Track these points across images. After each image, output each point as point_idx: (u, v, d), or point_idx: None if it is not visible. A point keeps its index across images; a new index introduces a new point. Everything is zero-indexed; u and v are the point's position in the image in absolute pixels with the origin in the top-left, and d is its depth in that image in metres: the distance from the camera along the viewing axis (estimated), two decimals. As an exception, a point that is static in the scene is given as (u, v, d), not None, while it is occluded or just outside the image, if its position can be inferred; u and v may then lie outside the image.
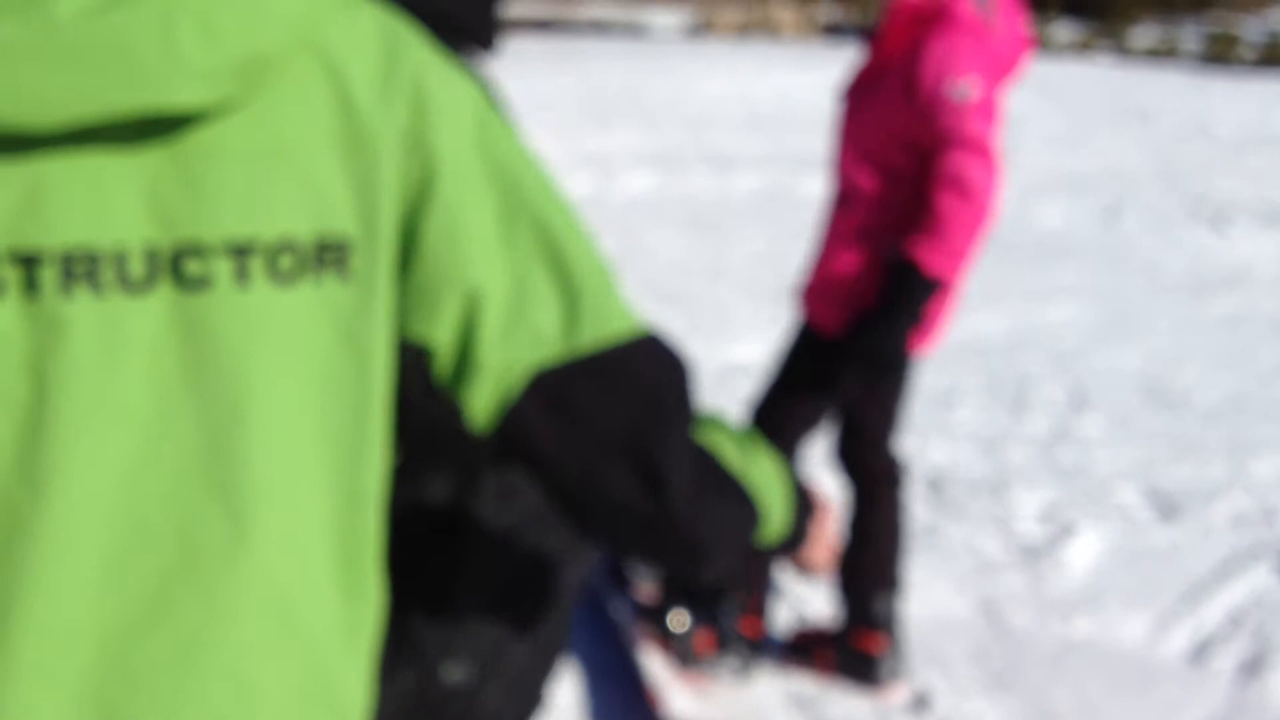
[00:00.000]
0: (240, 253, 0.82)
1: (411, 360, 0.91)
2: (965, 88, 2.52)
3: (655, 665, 2.92)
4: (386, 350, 0.88)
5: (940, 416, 4.74)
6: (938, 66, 2.54)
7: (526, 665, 1.35)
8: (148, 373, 0.81)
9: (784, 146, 11.68)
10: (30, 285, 0.78)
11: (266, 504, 0.84)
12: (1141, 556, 3.63)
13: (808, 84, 16.68)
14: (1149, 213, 9.23)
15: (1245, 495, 4.10)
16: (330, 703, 0.89)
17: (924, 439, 4.44)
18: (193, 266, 0.81)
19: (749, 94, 15.86)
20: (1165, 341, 5.96)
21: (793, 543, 1.17)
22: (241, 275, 0.82)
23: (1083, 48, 25.61)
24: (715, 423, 1.07)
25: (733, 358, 5.42)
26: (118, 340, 0.80)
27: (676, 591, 3.01)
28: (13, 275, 0.78)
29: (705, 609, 2.94)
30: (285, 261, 0.83)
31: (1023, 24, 2.72)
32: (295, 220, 0.83)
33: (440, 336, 0.89)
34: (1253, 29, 27.83)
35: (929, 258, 2.52)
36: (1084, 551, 3.64)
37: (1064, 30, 27.82)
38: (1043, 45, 23.13)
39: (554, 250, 0.92)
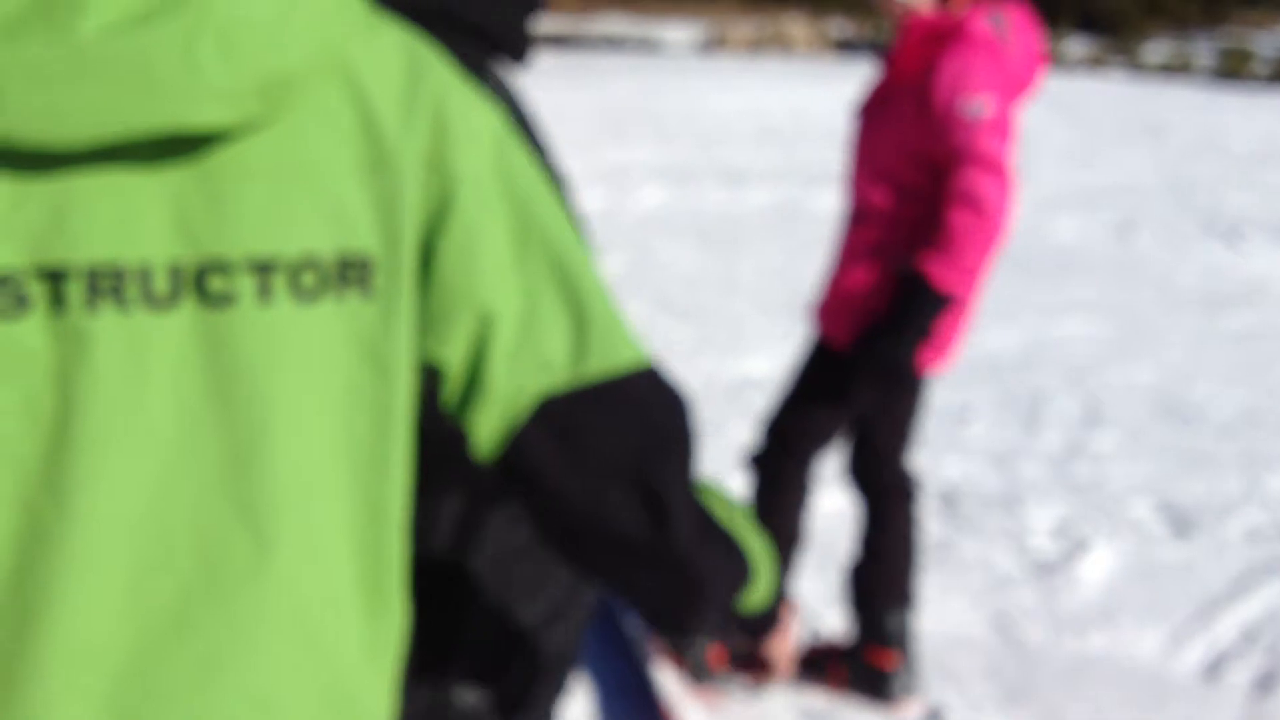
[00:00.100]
0: (263, 269, 0.83)
1: (423, 381, 0.92)
2: (979, 105, 2.52)
3: (668, 680, 2.93)
4: (409, 369, 0.88)
5: (954, 432, 4.74)
6: (952, 84, 2.55)
7: (537, 690, 1.35)
8: (172, 388, 0.81)
9: (796, 161, 11.70)
10: (56, 300, 0.79)
11: (289, 521, 0.84)
12: (1155, 572, 3.62)
13: (820, 99, 16.70)
14: (1162, 228, 9.22)
15: (1260, 510, 4.09)
16: None
17: (937, 454, 4.43)
18: (216, 283, 0.82)
19: (762, 109, 15.89)
20: (1179, 356, 5.94)
21: (766, 622, 1.15)
22: (264, 292, 0.83)
23: (1095, 63, 25.60)
24: (711, 488, 1.07)
25: (745, 372, 5.42)
26: (142, 356, 0.81)
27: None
28: (39, 290, 0.79)
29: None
30: (308, 279, 0.84)
31: (1037, 40, 2.72)
32: (318, 238, 0.84)
33: (451, 357, 0.90)
34: (1266, 44, 27.79)
35: (940, 273, 2.52)
36: (1098, 567, 3.63)
37: (1077, 46, 27.82)
38: (1055, 61, 23.13)
39: (565, 277, 0.93)
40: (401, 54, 0.89)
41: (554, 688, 1.37)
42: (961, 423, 4.85)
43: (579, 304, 0.93)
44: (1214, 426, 4.96)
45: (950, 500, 4.09)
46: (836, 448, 2.96)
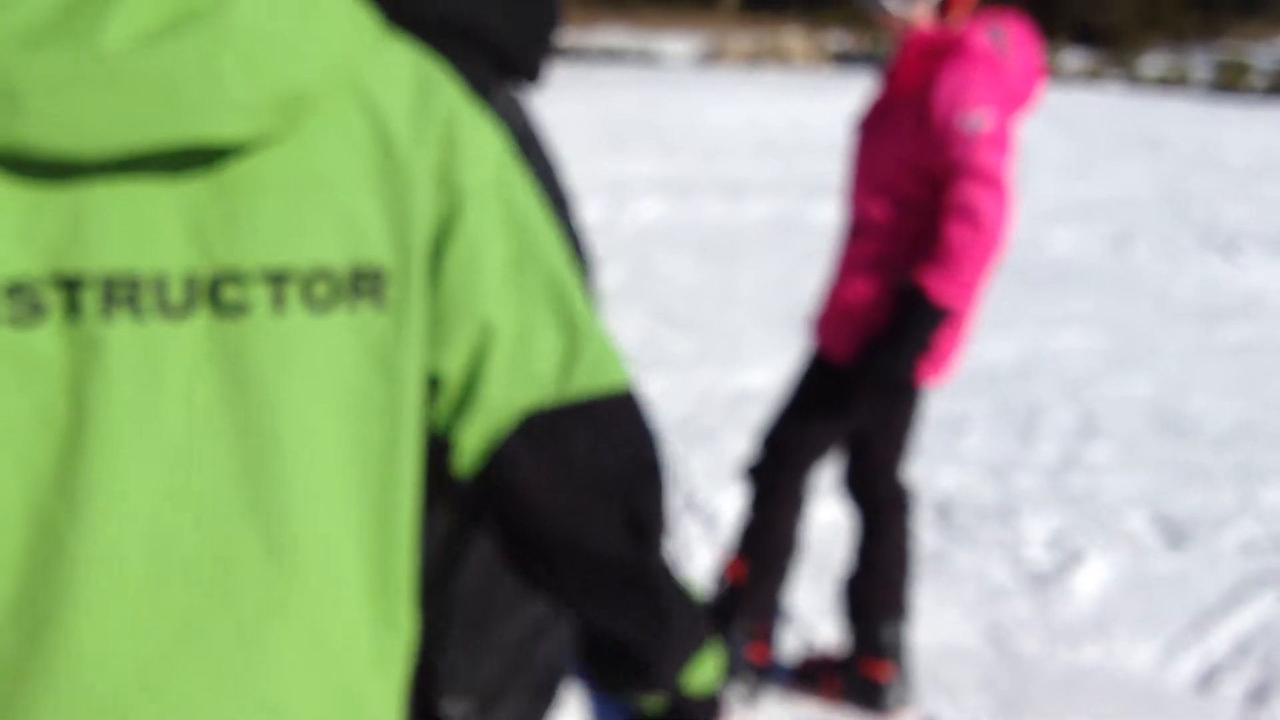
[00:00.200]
0: (277, 280, 0.84)
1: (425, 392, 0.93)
2: (977, 119, 2.54)
3: (663, 690, 2.93)
4: (419, 379, 0.89)
5: (949, 443, 4.75)
6: (950, 98, 2.57)
7: (526, 703, 1.36)
8: (185, 397, 0.82)
9: (795, 173, 11.71)
10: (72, 308, 0.80)
11: (301, 529, 0.85)
12: (1150, 584, 3.63)
13: (819, 111, 16.73)
14: (1159, 240, 9.23)
15: (1254, 523, 4.10)
16: None
17: (933, 465, 4.44)
18: (230, 293, 0.83)
19: (761, 121, 15.91)
20: (1175, 369, 5.96)
21: (709, 710, 1.13)
22: (278, 302, 0.84)
23: (1092, 76, 25.64)
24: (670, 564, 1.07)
25: (743, 383, 5.43)
26: (156, 364, 0.82)
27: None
28: (55, 299, 0.80)
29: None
30: (320, 289, 0.85)
31: (1036, 54, 2.74)
32: (331, 249, 0.85)
33: (451, 368, 0.91)
34: (1263, 57, 27.85)
35: (938, 287, 2.53)
36: (1092, 579, 3.64)
37: (1073, 58, 27.87)
38: (1052, 73, 23.16)
39: (559, 298, 0.94)
40: (412, 71, 0.91)
41: (544, 700, 1.38)
42: (957, 434, 4.87)
43: (572, 325, 0.94)
44: (1209, 439, 4.97)
45: (945, 511, 4.10)
46: (832, 459, 2.97)
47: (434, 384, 0.92)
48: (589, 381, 0.94)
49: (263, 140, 0.82)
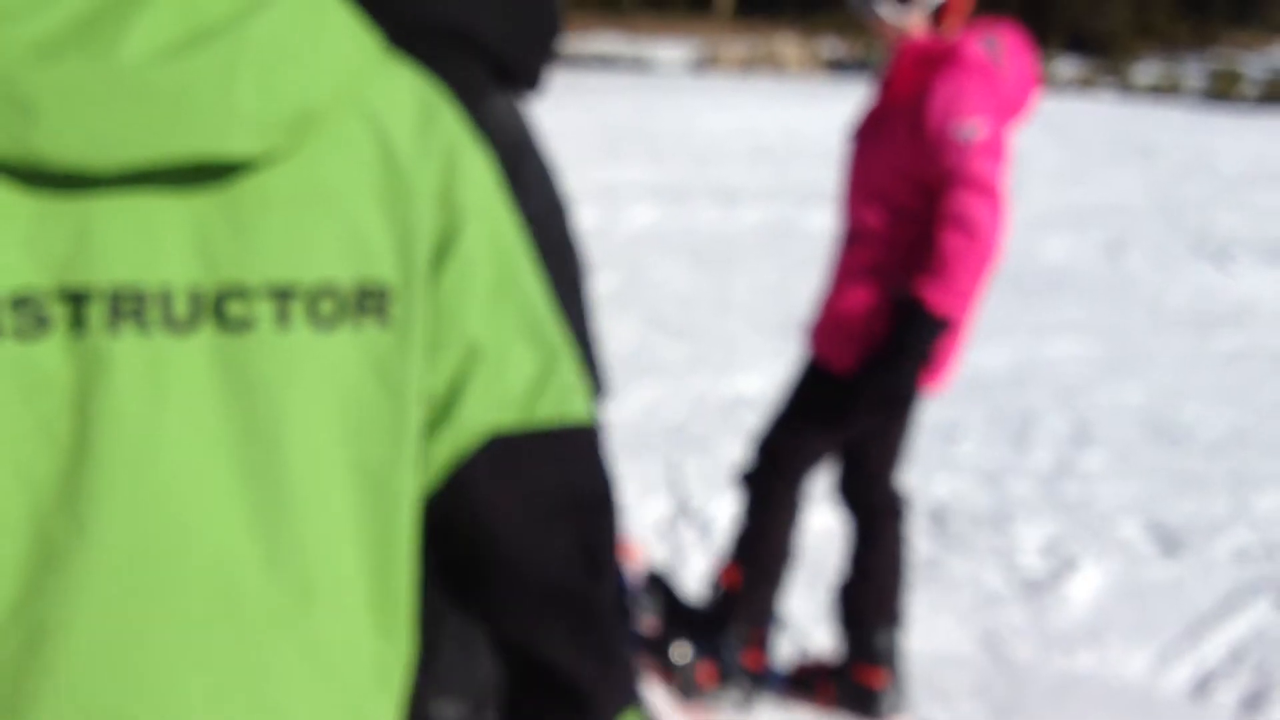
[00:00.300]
0: (282, 296, 0.84)
1: None
2: (971, 128, 2.54)
3: (657, 697, 2.93)
4: (420, 396, 0.90)
5: (943, 450, 4.75)
6: (944, 107, 2.57)
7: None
8: (189, 412, 0.82)
9: (789, 180, 11.73)
10: (77, 322, 0.79)
11: (303, 543, 0.85)
12: (1143, 591, 3.63)
13: (812, 118, 16.76)
14: (1152, 248, 9.26)
15: (1248, 530, 4.11)
16: None
17: (927, 472, 4.45)
18: (235, 308, 0.83)
19: (754, 128, 15.94)
20: (1168, 376, 5.97)
21: None
22: (282, 318, 0.84)
23: (1085, 84, 25.72)
24: None
25: (738, 390, 5.43)
26: (161, 378, 0.81)
27: (679, 623, 3.02)
28: (61, 312, 0.79)
29: (708, 641, 2.94)
30: (326, 306, 0.85)
31: (1031, 63, 2.75)
32: (337, 266, 0.85)
33: (438, 386, 0.91)
34: (1255, 66, 27.93)
35: (936, 297, 2.54)
36: (1086, 586, 3.65)
37: (1067, 66, 27.94)
38: (1046, 81, 23.22)
39: (535, 324, 0.95)
40: (415, 92, 0.92)
41: None
42: (951, 441, 4.87)
43: (545, 352, 0.95)
44: (1203, 447, 4.98)
45: (939, 518, 4.10)
46: (827, 466, 2.97)
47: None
48: (555, 410, 0.95)
49: (272, 156, 0.83)
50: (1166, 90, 24.76)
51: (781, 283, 7.59)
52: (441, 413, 0.91)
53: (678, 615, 3.06)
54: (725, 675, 2.93)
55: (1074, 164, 13.64)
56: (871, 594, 2.89)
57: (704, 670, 2.94)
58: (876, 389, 2.63)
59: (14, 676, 0.80)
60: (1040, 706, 3.00)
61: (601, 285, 7.20)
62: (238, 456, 0.83)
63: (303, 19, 0.84)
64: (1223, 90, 23.93)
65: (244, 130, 0.79)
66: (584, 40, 29.84)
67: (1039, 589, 3.62)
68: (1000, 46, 2.69)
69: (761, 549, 2.92)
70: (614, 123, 15.73)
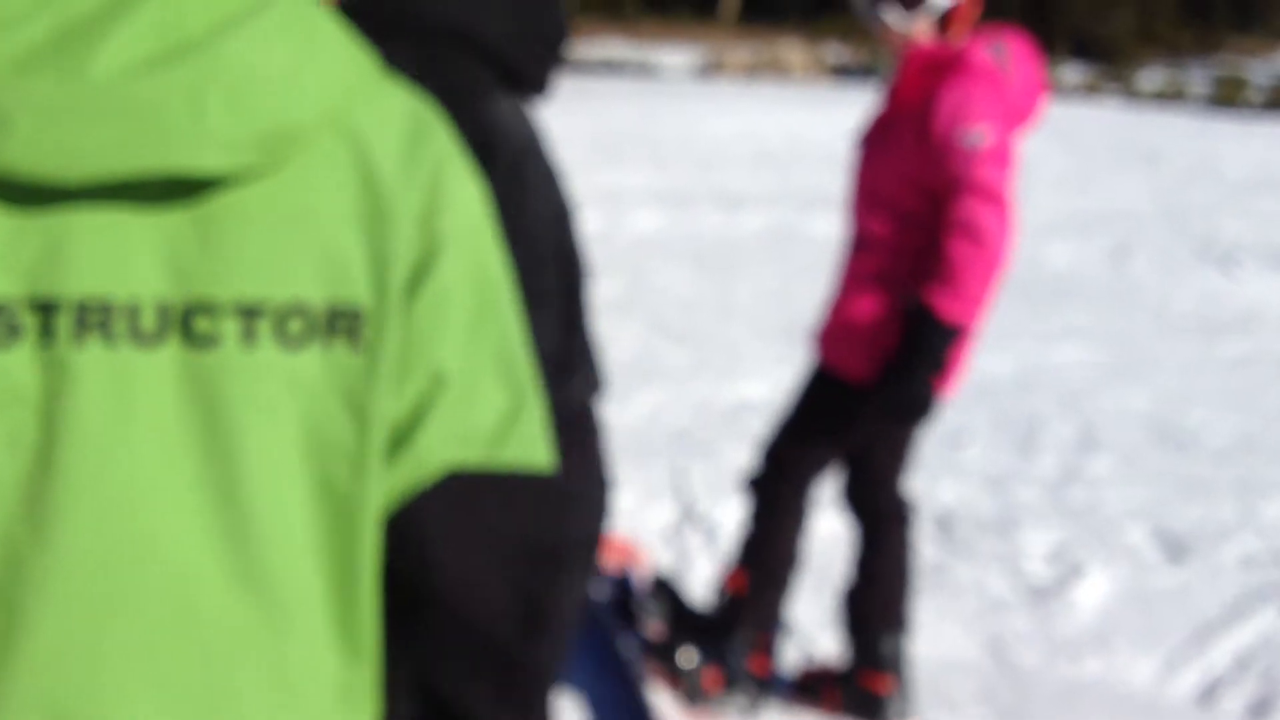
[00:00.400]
0: (249, 314, 0.83)
1: None
2: (978, 135, 2.54)
3: (663, 702, 2.92)
4: (383, 421, 0.88)
5: (949, 456, 4.74)
6: (951, 114, 2.57)
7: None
8: (154, 425, 0.82)
9: (792, 185, 11.73)
10: (46, 332, 0.80)
11: (267, 562, 0.84)
12: (1150, 597, 3.63)
13: (816, 124, 16.77)
14: (1157, 254, 9.25)
15: (1254, 537, 4.10)
16: None
17: (933, 478, 4.44)
18: (201, 324, 0.83)
19: (758, 133, 15.94)
20: (1174, 382, 5.96)
21: None
22: (248, 336, 0.83)
23: (1090, 90, 25.73)
24: None
25: (741, 395, 5.43)
26: (126, 391, 0.82)
27: (685, 628, 3.01)
28: (30, 321, 0.80)
29: (714, 647, 2.94)
30: (295, 325, 0.84)
31: (1038, 70, 2.75)
32: (309, 286, 0.85)
33: (399, 412, 0.89)
34: (1260, 72, 27.94)
35: (945, 304, 2.53)
36: (1092, 592, 3.64)
37: (1072, 73, 27.95)
38: (1050, 88, 23.26)
39: (510, 363, 0.93)
40: (406, 114, 0.91)
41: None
42: (957, 446, 4.86)
43: (517, 393, 0.93)
44: (1209, 452, 4.97)
45: (945, 524, 4.09)
46: (833, 472, 2.97)
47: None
48: (519, 454, 0.92)
49: (246, 174, 0.83)
50: (1171, 96, 24.77)
51: (785, 288, 7.59)
52: (401, 440, 0.89)
53: (683, 620, 3.05)
54: (731, 680, 2.93)
55: (1079, 170, 13.64)
56: (877, 600, 2.88)
57: (710, 675, 2.93)
58: (893, 399, 2.62)
59: None
60: (1046, 713, 2.99)
61: (605, 290, 7.20)
62: (202, 471, 0.83)
63: (288, 38, 0.83)
64: (1227, 96, 23.94)
65: (213, 147, 0.80)
66: (589, 45, 29.88)
67: (1045, 595, 3.61)
68: (1007, 53, 2.68)
69: (767, 554, 2.92)
70: (618, 128, 15.75)
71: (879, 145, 2.77)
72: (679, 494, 4.24)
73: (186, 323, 0.82)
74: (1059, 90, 24.34)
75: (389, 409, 0.88)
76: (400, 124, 0.90)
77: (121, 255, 0.81)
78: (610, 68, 27.53)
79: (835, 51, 30.39)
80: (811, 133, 15.93)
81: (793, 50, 29.92)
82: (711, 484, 4.31)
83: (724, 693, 2.93)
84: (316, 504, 0.86)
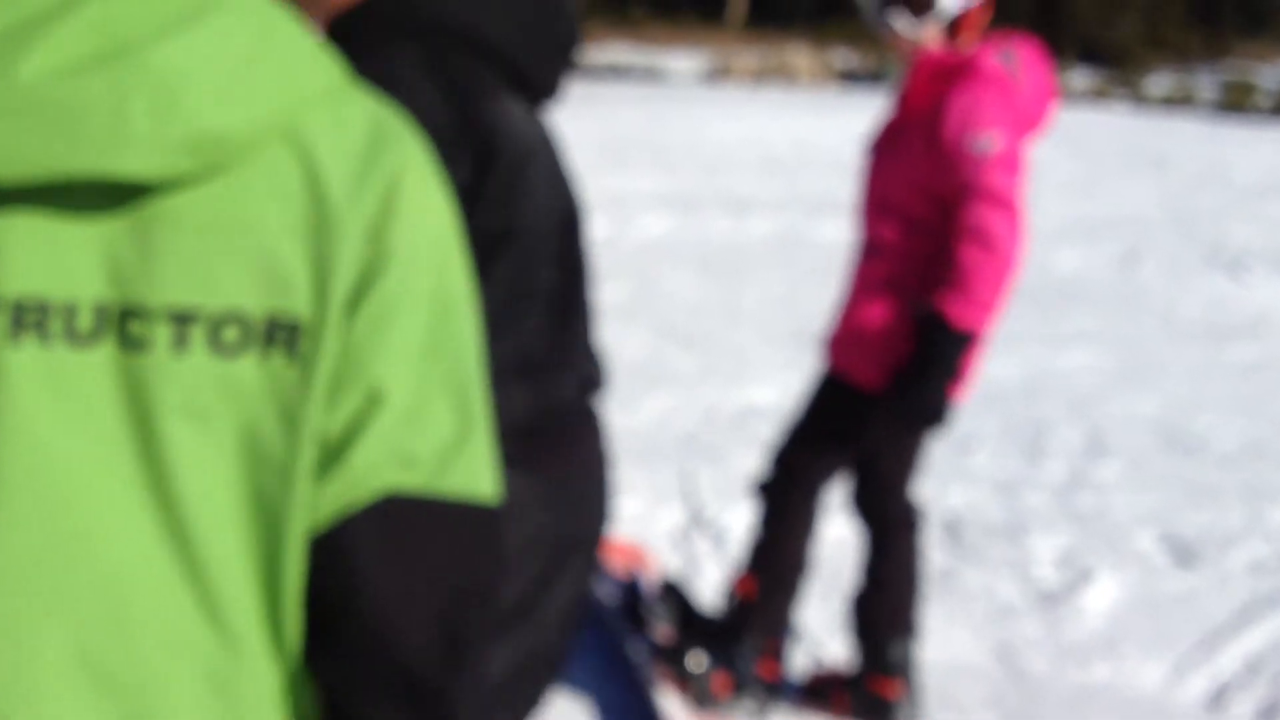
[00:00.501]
0: (180, 320, 0.83)
1: None
2: (987, 141, 2.54)
3: (672, 706, 2.93)
4: (314, 436, 0.86)
5: (958, 461, 4.74)
6: (960, 120, 2.57)
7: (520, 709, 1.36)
8: (90, 424, 0.83)
9: (800, 190, 11.73)
10: None
11: (200, 563, 0.85)
12: (1159, 603, 3.62)
13: (823, 129, 16.76)
14: (1166, 259, 9.24)
15: (1263, 542, 4.09)
16: None
17: (941, 484, 4.44)
18: (135, 327, 0.83)
19: (765, 138, 15.94)
20: (1182, 388, 5.95)
21: None
22: (179, 342, 0.83)
23: (1098, 95, 25.69)
24: None
25: (749, 401, 5.43)
26: (61, 390, 0.82)
27: (694, 633, 3.01)
28: None
29: (723, 651, 2.94)
30: (230, 333, 0.84)
31: (1048, 76, 2.75)
32: (246, 295, 0.84)
33: (331, 427, 0.87)
34: (1269, 77, 27.89)
35: (956, 310, 2.54)
36: (1101, 597, 3.64)
37: (1080, 78, 27.92)
38: (1059, 93, 23.25)
39: (462, 391, 0.90)
40: (365, 125, 0.89)
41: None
42: (965, 452, 4.86)
43: (466, 421, 0.90)
44: (1217, 458, 4.96)
45: (954, 529, 4.09)
46: (842, 477, 2.97)
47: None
48: (463, 483, 0.89)
49: (180, 181, 0.83)
50: (1179, 101, 24.73)
51: (792, 293, 7.59)
52: (334, 457, 0.87)
53: (693, 625, 3.06)
54: (740, 685, 2.93)
55: (1087, 175, 13.63)
56: (886, 605, 2.88)
57: (719, 680, 2.94)
58: (908, 407, 2.63)
59: None
60: (1055, 718, 2.99)
61: (612, 295, 7.20)
62: (137, 472, 0.84)
63: (233, 43, 0.83)
64: (1236, 102, 23.89)
65: (136, 151, 0.80)
66: (596, 50, 29.90)
67: (1053, 600, 3.61)
68: (1016, 59, 2.69)
69: (777, 559, 2.92)
70: (625, 133, 15.75)
71: (889, 151, 2.77)
72: (687, 499, 4.24)
73: (122, 325, 0.83)
74: (1067, 95, 24.31)
75: (321, 424, 0.86)
76: (358, 133, 0.89)
77: (60, 256, 0.82)
78: (617, 72, 27.54)
79: (843, 57, 30.38)
80: (818, 138, 15.92)
81: (800, 55, 29.91)
82: (720, 489, 4.32)
83: (733, 697, 2.94)
84: (249, 511, 0.86)
